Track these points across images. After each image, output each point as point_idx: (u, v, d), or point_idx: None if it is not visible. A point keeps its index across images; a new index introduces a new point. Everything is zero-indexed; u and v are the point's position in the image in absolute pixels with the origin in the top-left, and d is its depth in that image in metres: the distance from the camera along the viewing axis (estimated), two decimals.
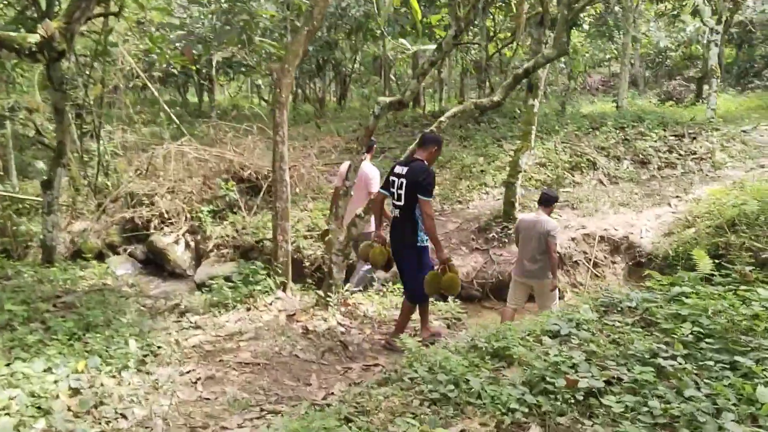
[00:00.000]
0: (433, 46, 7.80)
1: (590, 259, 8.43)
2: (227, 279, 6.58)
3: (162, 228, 10.45)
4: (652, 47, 25.59)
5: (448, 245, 8.86)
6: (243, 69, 19.46)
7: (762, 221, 7.28)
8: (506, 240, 8.87)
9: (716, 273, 5.11)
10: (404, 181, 5.41)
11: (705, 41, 19.81)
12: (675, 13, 16.96)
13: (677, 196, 9.43)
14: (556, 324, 4.44)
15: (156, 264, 10.32)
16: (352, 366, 5.03)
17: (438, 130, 5.66)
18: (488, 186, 10.65)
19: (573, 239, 8.79)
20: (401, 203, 5.47)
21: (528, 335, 4.45)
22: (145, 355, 4.79)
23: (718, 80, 13.45)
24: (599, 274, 8.46)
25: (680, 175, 10.27)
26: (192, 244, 10.44)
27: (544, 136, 11.56)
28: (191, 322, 5.76)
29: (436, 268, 5.48)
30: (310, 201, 10.81)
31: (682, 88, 22.15)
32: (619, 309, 4.75)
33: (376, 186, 6.71)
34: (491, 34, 17.40)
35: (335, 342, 5.39)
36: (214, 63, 14.32)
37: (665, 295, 4.82)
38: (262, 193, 10.89)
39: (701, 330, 4.02)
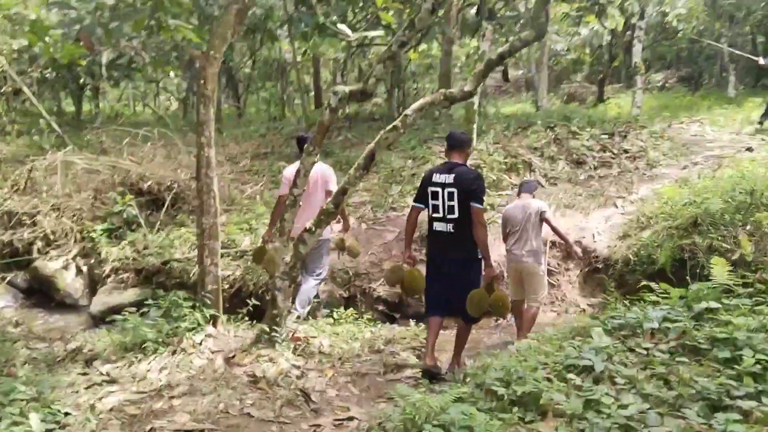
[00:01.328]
0: (380, 33, 6.93)
1: None
2: (143, 314, 5.32)
3: (47, 251, 9.01)
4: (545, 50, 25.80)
5: (389, 257, 7.94)
6: (131, 72, 17.80)
7: (728, 220, 6.84)
8: None
9: (733, 282, 4.44)
10: (455, 191, 4.80)
11: (604, 42, 20.14)
12: (579, 14, 16.90)
13: (621, 197, 8.99)
14: (579, 356, 3.61)
15: (42, 293, 8.83)
16: (319, 422, 3.99)
17: (403, 124, 4.74)
18: None
19: None
20: (455, 216, 4.83)
21: (543, 368, 3.61)
22: (49, 430, 3.55)
23: (643, 77, 13.40)
24: (554, 283, 7.82)
25: (617, 174, 9.89)
26: (84, 268, 9.01)
27: (474, 137, 10.93)
28: (103, 374, 4.52)
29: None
30: (223, 213, 9.59)
31: (583, 89, 22.41)
32: (638, 331, 4.00)
33: (334, 185, 5.83)
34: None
35: (293, 391, 4.32)
36: (104, 62, 12.68)
37: (682, 311, 4.13)
38: (165, 207, 9.59)
39: (765, 357, 3.30)
